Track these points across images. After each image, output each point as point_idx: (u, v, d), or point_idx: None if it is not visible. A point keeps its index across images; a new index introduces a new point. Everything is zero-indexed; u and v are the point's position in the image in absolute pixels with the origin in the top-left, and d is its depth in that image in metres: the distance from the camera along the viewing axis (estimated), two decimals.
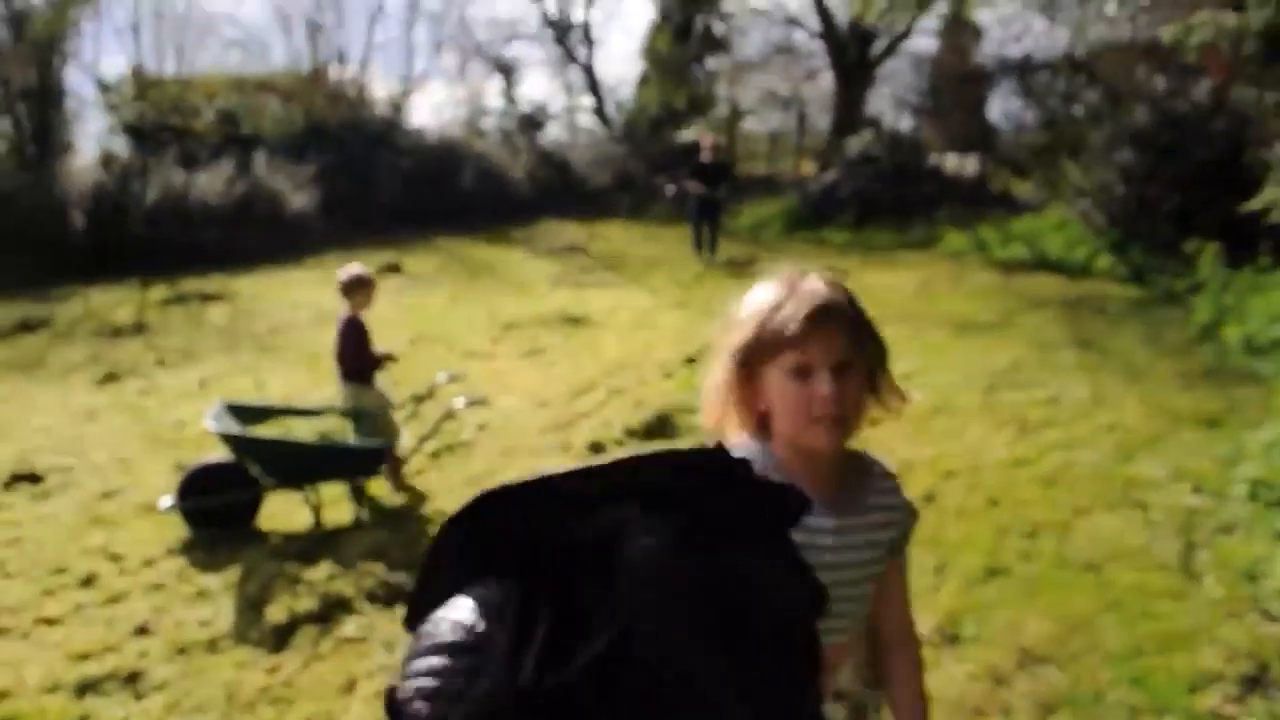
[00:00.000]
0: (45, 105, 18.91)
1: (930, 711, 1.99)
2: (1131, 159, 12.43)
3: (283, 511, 5.63)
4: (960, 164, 20.68)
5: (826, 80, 24.45)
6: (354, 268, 5.95)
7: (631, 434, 6.68)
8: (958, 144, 21.48)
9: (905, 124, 23.40)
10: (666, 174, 21.37)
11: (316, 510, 5.41)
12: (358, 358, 5.83)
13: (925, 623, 4.18)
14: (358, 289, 5.85)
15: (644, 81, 26.91)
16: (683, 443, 6.39)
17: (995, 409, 6.90)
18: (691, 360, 8.60)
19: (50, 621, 4.62)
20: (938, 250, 14.62)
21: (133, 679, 4.11)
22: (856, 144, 18.48)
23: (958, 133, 21.91)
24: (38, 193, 16.76)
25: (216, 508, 5.37)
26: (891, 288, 11.67)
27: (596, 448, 6.52)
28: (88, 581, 4.99)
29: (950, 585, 4.52)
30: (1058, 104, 19.67)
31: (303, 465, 5.34)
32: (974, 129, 21.92)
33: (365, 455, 5.41)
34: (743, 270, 13.66)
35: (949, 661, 3.92)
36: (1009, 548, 4.84)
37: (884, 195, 17.22)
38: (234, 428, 5.38)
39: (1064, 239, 13.54)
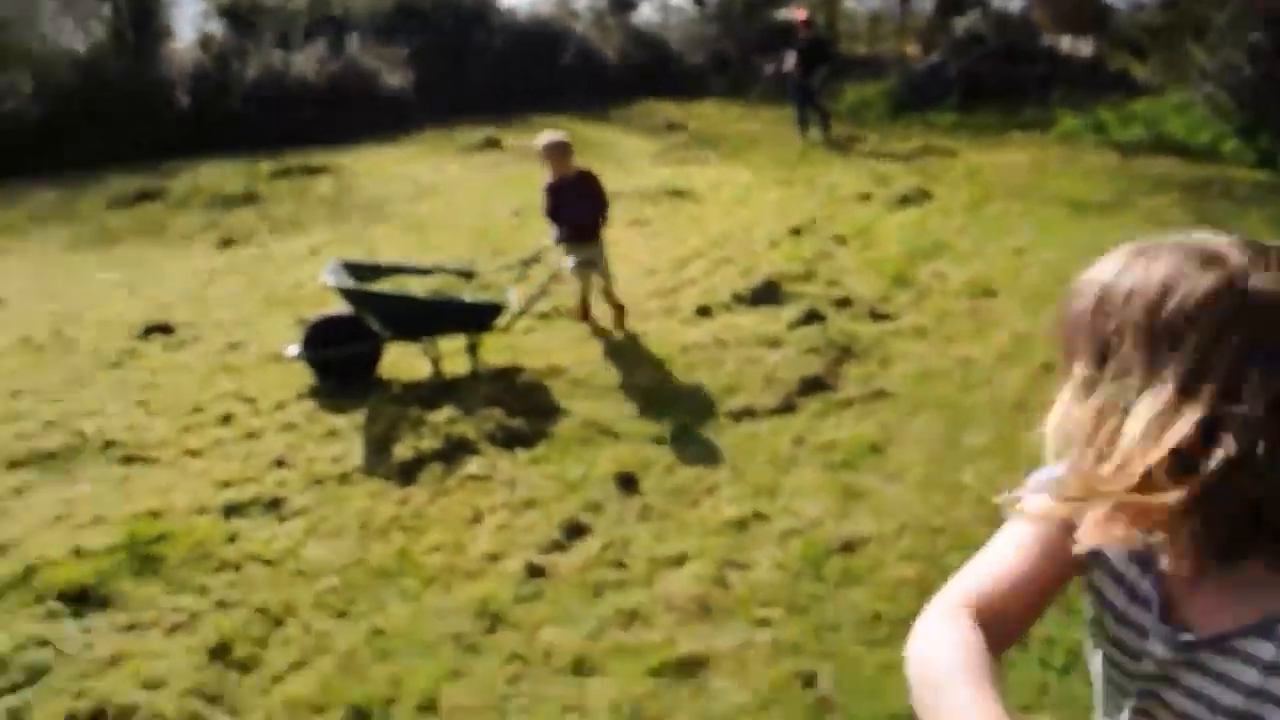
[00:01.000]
0: None
1: None
2: (1261, 38, 11.73)
3: (403, 361, 5.83)
4: (1074, 45, 19.72)
5: None
6: (545, 135, 6.27)
7: (739, 299, 6.70)
8: (1070, 24, 20.44)
9: (1014, 3, 22.32)
10: (764, 54, 20.83)
11: (435, 361, 5.59)
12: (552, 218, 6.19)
13: None
14: (546, 155, 6.19)
15: None
16: (789, 309, 6.41)
17: None
18: (796, 231, 8.54)
19: (193, 453, 4.91)
20: (1051, 132, 14.08)
21: (274, 505, 4.37)
22: (962, 23, 17.74)
23: (1070, 12, 20.83)
24: (140, 74, 17.11)
25: (339, 358, 5.58)
26: (1002, 166, 11.34)
27: (704, 311, 6.57)
28: (225, 420, 5.27)
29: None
30: None
31: (419, 319, 5.50)
32: (1088, 8, 20.81)
33: (480, 310, 5.55)
34: (846, 149, 13.40)
35: None
36: None
37: (992, 77, 16.55)
38: (351, 283, 5.54)
39: (1187, 122, 12.92)
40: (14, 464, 4.83)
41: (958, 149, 12.64)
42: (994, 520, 3.58)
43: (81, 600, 3.65)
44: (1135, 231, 5.29)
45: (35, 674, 3.29)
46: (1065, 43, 19.70)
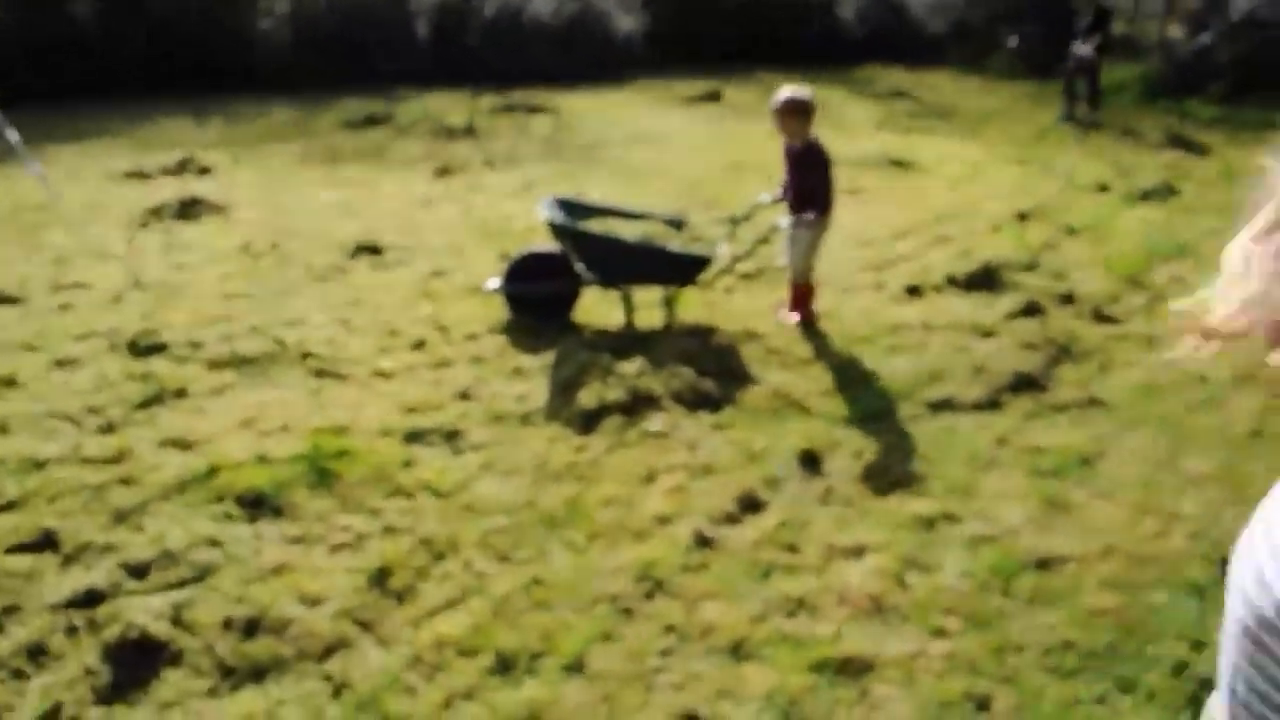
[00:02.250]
0: None
1: None
2: None
3: (598, 307, 5.75)
4: None
5: None
6: (786, 91, 5.41)
7: (953, 282, 6.28)
8: None
9: None
10: (1009, 24, 19.66)
11: (631, 310, 5.48)
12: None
13: None
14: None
15: None
16: (1006, 298, 5.96)
17: None
18: (1024, 216, 7.97)
19: (385, 375, 4.99)
20: None
21: (453, 436, 4.37)
22: (1242, 4, 16.13)
23: None
24: (389, 4, 17.75)
25: (538, 296, 5.55)
26: (1263, 168, 10.25)
27: (914, 290, 6.19)
28: (418, 345, 5.34)
29: None
30: None
31: (624, 264, 5.39)
32: None
33: (689, 262, 5.39)
34: (1087, 132, 12.46)
35: None
36: None
37: (1271, 64, 15.02)
38: (565, 220, 5.48)
39: None
40: (216, 364, 5.04)
41: (1214, 145, 11.53)
42: (1209, 557, 3.17)
43: (257, 506, 3.75)
44: None
45: (202, 573, 3.38)
46: None
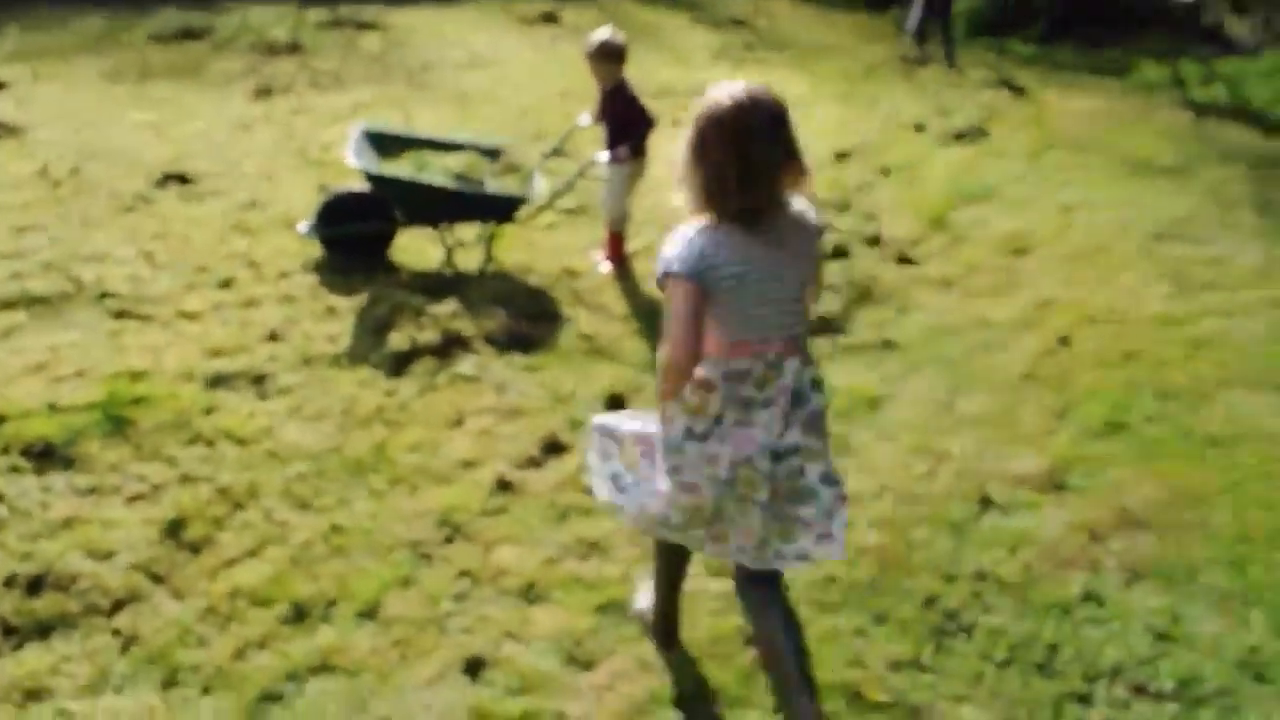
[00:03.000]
0: None
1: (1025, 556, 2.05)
2: None
3: (415, 246, 5.72)
4: None
5: None
6: (599, 34, 5.45)
7: None
8: None
9: None
10: None
11: (450, 250, 5.48)
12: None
13: (1033, 464, 4.07)
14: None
15: None
16: None
17: (1155, 259, 6.46)
18: (842, 156, 8.26)
19: (190, 315, 4.88)
20: (1129, 80, 13.45)
21: (259, 380, 4.34)
22: None
23: None
24: None
25: (351, 237, 5.48)
26: (1071, 113, 10.85)
27: None
28: (226, 284, 5.22)
29: (1066, 433, 4.36)
30: None
31: (437, 206, 5.36)
32: None
33: (503, 201, 5.39)
34: (914, 70, 12.88)
35: (1049, 507, 3.82)
36: (1137, 406, 4.61)
37: (1085, 8, 15.78)
38: (373, 164, 5.37)
39: (1271, 90, 12.25)
40: (4, 305, 4.81)
41: (1029, 86, 12.11)
42: (970, 496, 3.49)
43: (46, 457, 3.66)
44: (1193, 202, 5.03)
45: None
46: None
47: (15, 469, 3.61)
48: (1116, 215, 7.29)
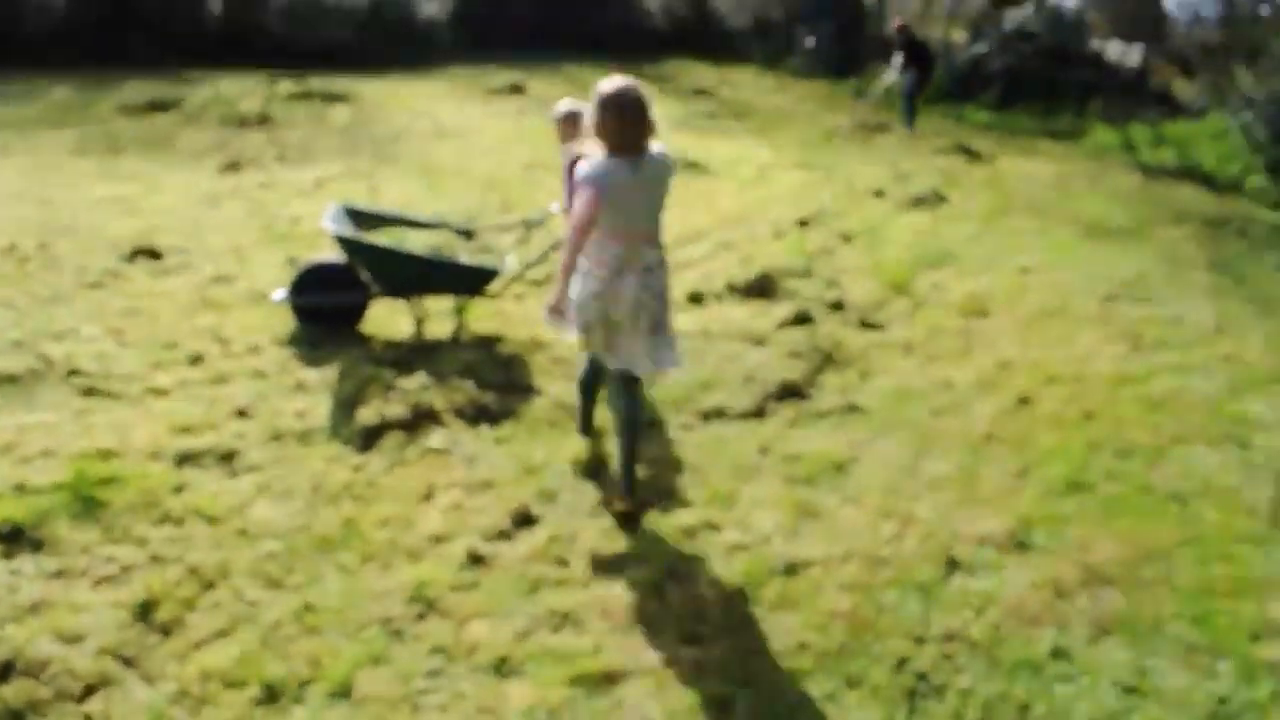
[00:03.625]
0: None
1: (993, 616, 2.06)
2: None
3: (385, 317, 5.77)
4: (1123, 53, 19.33)
5: None
6: (562, 104, 5.54)
7: (733, 289, 6.62)
8: (1124, 29, 20.04)
9: (1070, 1, 21.88)
10: (807, 24, 20.50)
11: (420, 321, 5.54)
12: None
13: (997, 524, 4.14)
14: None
15: None
16: (781, 306, 6.32)
17: (1111, 320, 6.63)
18: (804, 223, 8.43)
19: (158, 392, 4.88)
20: (1082, 144, 13.87)
21: (228, 458, 4.34)
22: (1015, 16, 17.40)
23: (1126, 17, 20.42)
24: None
25: (325, 307, 5.53)
26: (1026, 177, 11.16)
27: (696, 299, 6.50)
28: (196, 360, 5.23)
29: (1029, 492, 4.45)
30: None
31: (413, 276, 5.44)
32: (1144, 15, 20.40)
33: (475, 274, 5.48)
34: (872, 135, 13.19)
35: (1014, 567, 3.89)
36: (1096, 465, 4.72)
37: (1035, 76, 16.26)
38: (350, 232, 5.48)
39: (1218, 151, 12.69)
40: None
41: (985, 151, 12.45)
42: (938, 557, 3.55)
43: (14, 540, 3.63)
44: (1146, 263, 5.20)
45: None
46: (1113, 50, 19.33)
47: None
48: (1072, 277, 7.48)
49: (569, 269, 3.73)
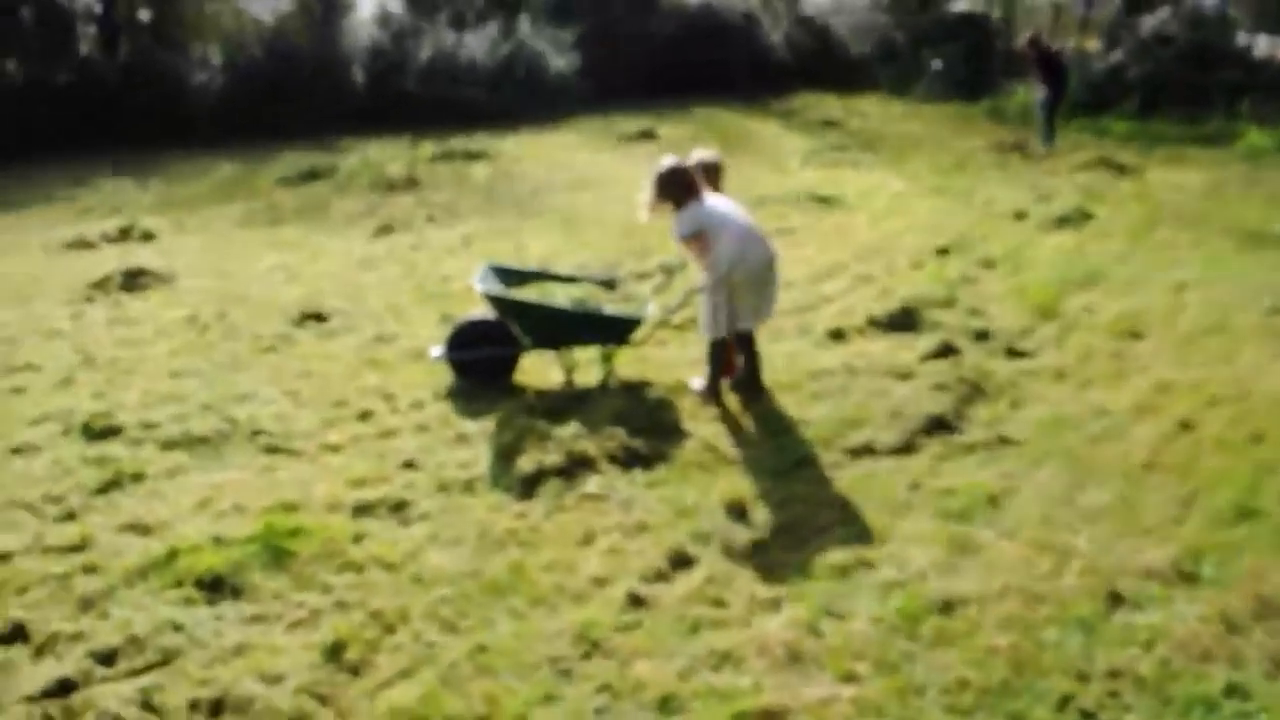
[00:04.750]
0: None
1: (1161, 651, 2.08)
2: None
3: (536, 369, 6.02)
4: (1273, 47, 18.41)
5: None
6: (698, 153, 5.83)
7: (874, 323, 6.64)
8: (1272, 22, 19.09)
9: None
10: (934, 47, 20.29)
11: (569, 371, 5.77)
12: None
13: (1161, 556, 4.04)
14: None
15: None
16: (925, 338, 6.30)
17: (1276, 335, 6.36)
18: (944, 251, 8.37)
19: (333, 449, 5.22)
20: (1233, 148, 13.29)
21: (400, 508, 4.61)
22: (1151, 21, 16.86)
23: (1273, 8, 19.46)
24: (323, 49, 17.97)
25: (479, 361, 5.82)
26: (1175, 186, 10.79)
27: (837, 335, 6.54)
28: (365, 416, 5.58)
29: (1195, 520, 4.33)
30: None
31: (559, 328, 5.71)
32: None
33: (619, 323, 5.69)
34: (1008, 155, 12.96)
35: (1181, 600, 3.79)
36: (1267, 490, 4.54)
37: (1178, 81, 15.70)
38: (499, 289, 5.78)
39: None
40: (170, 445, 5.24)
41: (1130, 163, 12.08)
42: (1100, 591, 3.52)
43: (215, 588, 3.96)
44: None
45: (168, 657, 3.59)
46: (1262, 45, 18.45)
47: (189, 600, 3.92)
48: (1231, 290, 7.21)
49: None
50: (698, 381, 5.80)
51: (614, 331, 5.72)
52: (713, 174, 5.77)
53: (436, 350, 5.91)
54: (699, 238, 5.41)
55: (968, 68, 19.00)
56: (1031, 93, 13.61)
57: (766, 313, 5.65)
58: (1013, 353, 6.24)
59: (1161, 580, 3.91)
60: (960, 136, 14.64)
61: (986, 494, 4.61)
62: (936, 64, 19.11)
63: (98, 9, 19.12)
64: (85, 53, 18.48)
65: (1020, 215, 9.61)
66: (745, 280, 5.42)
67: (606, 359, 5.87)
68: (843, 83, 20.48)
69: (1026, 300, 7.14)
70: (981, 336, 6.44)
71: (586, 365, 5.98)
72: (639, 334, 5.86)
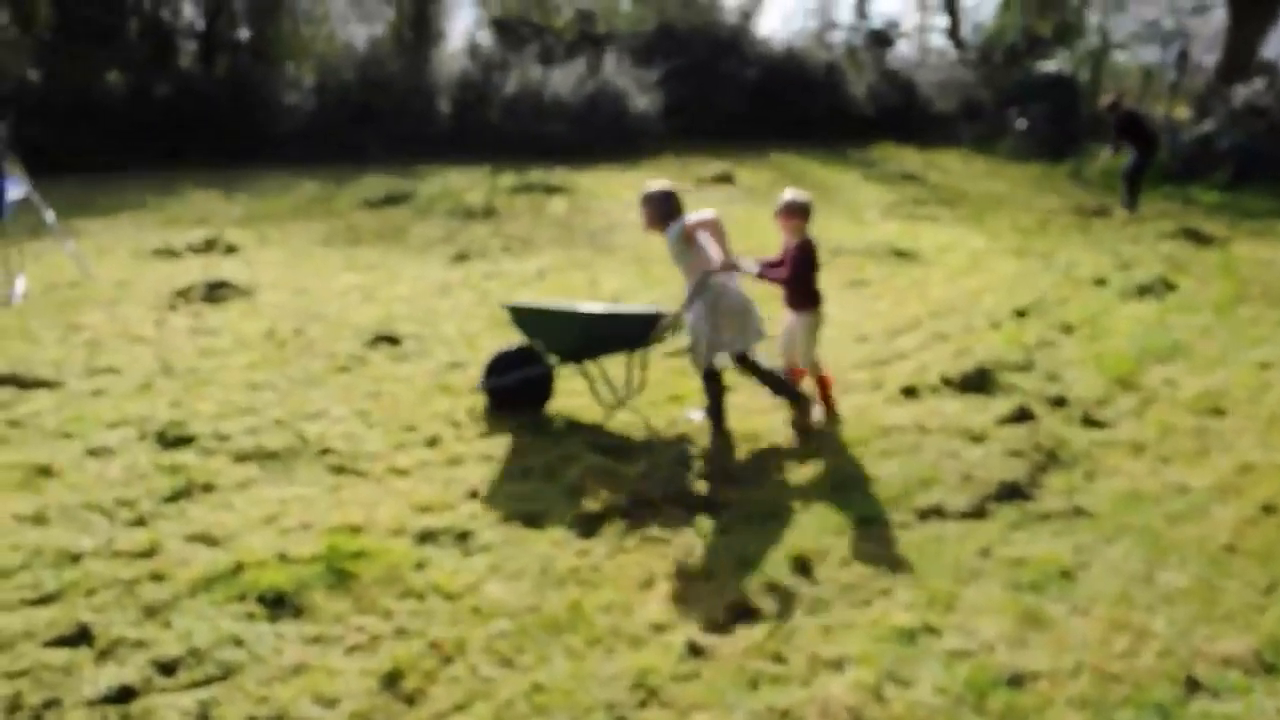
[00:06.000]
0: None
1: None
2: None
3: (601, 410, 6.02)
4: None
5: (1219, 15, 21.92)
6: (788, 194, 6.00)
7: (948, 383, 6.53)
8: None
9: None
10: (1019, 106, 20.13)
11: (593, 383, 5.84)
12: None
13: (1241, 644, 3.89)
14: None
15: (1006, 4, 25.31)
16: (1000, 401, 6.18)
17: None
18: (1022, 313, 8.23)
19: (400, 472, 5.26)
20: None
21: (463, 537, 4.62)
22: (1244, 92, 16.55)
23: None
24: (412, 76, 18.36)
25: (511, 386, 5.94)
26: (1263, 261, 10.52)
27: (910, 392, 6.44)
28: (432, 442, 5.61)
29: (1277, 610, 4.16)
30: None
31: (580, 336, 5.76)
32: None
33: (637, 320, 5.77)
34: (1091, 219, 12.76)
35: (1262, 691, 3.63)
36: None
37: (1270, 153, 15.37)
38: (520, 302, 6.10)
39: None
40: (242, 458, 5.32)
41: (1216, 234, 11.82)
42: (1177, 676, 3.39)
43: (278, 605, 3.98)
44: None
45: (227, 671, 3.61)
46: None
47: (251, 615, 3.94)
48: None
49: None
50: (696, 413, 5.94)
51: (633, 330, 5.75)
52: (799, 214, 5.87)
53: (481, 383, 6.04)
54: (690, 246, 5.71)
55: (1052, 128, 18.82)
56: (1115, 156, 13.41)
57: (754, 337, 5.78)
58: (1090, 422, 6.09)
59: (1242, 669, 3.76)
60: (1042, 197, 14.46)
61: (1059, 566, 4.47)
62: (1021, 123, 18.95)
63: (199, 25, 19.78)
64: (184, 67, 19.11)
65: (1101, 281, 9.43)
66: (728, 306, 5.66)
67: (641, 367, 5.88)
68: (924, 137, 20.39)
69: (1105, 369, 6.98)
70: (1058, 403, 6.30)
71: (656, 405, 5.95)
72: (661, 330, 5.82)
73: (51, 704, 3.44)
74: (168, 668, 3.64)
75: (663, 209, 5.83)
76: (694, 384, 5.95)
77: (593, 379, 5.86)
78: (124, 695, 3.49)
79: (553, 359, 5.91)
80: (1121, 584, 4.37)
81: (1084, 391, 6.54)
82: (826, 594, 4.26)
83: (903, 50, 26.79)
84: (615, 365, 6.02)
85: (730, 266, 5.65)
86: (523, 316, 5.89)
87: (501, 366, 5.99)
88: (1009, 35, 24.19)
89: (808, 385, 6.15)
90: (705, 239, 5.73)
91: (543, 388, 6.03)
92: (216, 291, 8.41)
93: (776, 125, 19.92)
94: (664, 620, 4.04)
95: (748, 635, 3.97)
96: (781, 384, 5.87)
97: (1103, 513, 5.00)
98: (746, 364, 5.82)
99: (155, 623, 3.92)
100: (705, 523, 4.80)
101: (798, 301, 5.97)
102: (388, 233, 11.03)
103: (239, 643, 3.77)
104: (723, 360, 5.79)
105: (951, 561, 4.53)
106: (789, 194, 5.93)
